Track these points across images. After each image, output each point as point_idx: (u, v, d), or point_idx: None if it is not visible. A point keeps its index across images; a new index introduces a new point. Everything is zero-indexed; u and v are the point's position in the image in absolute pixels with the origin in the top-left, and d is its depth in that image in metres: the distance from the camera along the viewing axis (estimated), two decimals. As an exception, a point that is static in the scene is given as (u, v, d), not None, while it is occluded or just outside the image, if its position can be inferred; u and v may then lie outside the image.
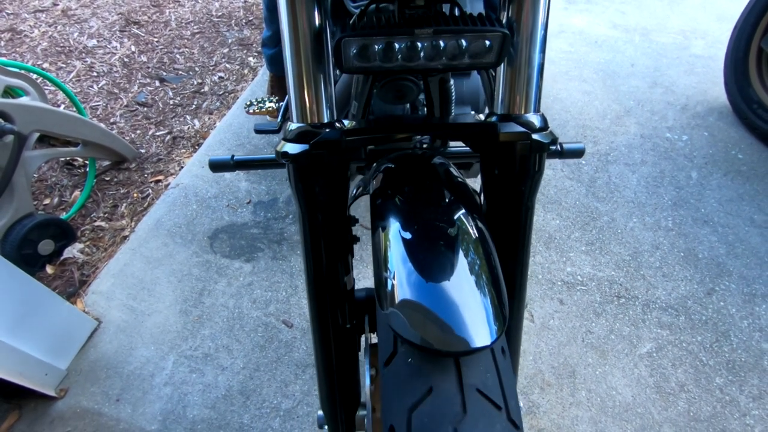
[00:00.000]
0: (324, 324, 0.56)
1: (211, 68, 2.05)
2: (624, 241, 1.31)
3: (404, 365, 0.38)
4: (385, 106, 0.87)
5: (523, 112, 0.46)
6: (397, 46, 0.40)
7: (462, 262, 0.39)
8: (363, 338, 0.64)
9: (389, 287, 0.39)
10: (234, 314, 1.20)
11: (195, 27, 2.29)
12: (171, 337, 1.16)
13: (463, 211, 0.44)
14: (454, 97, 0.63)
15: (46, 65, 2.03)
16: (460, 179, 0.51)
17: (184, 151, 1.68)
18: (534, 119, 0.46)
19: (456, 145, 0.69)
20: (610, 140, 1.60)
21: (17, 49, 2.14)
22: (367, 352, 0.59)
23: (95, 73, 2.02)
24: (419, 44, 0.40)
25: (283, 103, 1.08)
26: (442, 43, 0.40)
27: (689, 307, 1.17)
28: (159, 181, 1.57)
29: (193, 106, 1.87)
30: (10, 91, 1.31)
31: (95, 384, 1.08)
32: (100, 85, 1.96)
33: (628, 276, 1.24)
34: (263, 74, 1.96)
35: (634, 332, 1.13)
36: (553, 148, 0.45)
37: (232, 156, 0.81)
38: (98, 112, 1.83)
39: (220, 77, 2.00)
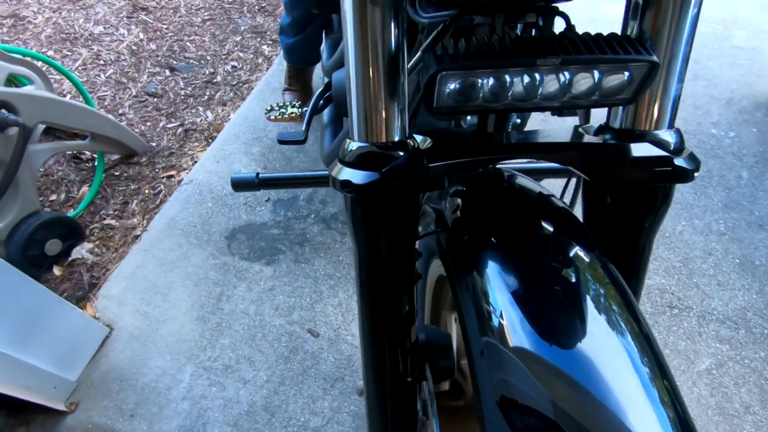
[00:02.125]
0: (382, 378, 0.47)
1: (224, 57, 1.95)
2: (673, 246, 1.22)
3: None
4: (428, 118, 0.78)
5: (651, 128, 0.36)
6: (508, 79, 0.30)
7: (596, 320, 0.30)
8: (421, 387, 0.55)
9: (495, 328, 0.30)
10: (255, 322, 1.11)
11: (205, 13, 2.19)
12: (188, 347, 1.07)
13: (579, 246, 0.35)
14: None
15: (50, 53, 1.94)
16: (559, 203, 0.40)
17: (197, 144, 1.59)
18: (669, 137, 0.35)
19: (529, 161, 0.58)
20: (651, 136, 1.50)
21: (20, 36, 2.04)
22: (433, 404, 0.50)
23: (102, 62, 1.92)
24: (538, 77, 0.30)
25: (307, 108, 0.97)
26: (567, 76, 0.30)
27: (749, 319, 1.08)
28: (171, 176, 1.48)
29: (206, 96, 1.78)
30: (14, 80, 1.21)
31: (107, 397, 1.00)
32: (107, 74, 1.86)
33: (680, 284, 1.15)
34: (278, 64, 1.86)
35: (690, 347, 1.04)
36: (697, 175, 0.35)
37: (257, 174, 0.72)
38: (106, 103, 1.74)
39: (233, 66, 1.90)
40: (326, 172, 0.78)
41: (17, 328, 0.89)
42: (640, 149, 0.35)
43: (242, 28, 2.10)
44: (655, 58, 0.30)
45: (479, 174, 0.45)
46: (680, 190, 1.35)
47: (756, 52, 1.79)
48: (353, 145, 0.36)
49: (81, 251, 1.28)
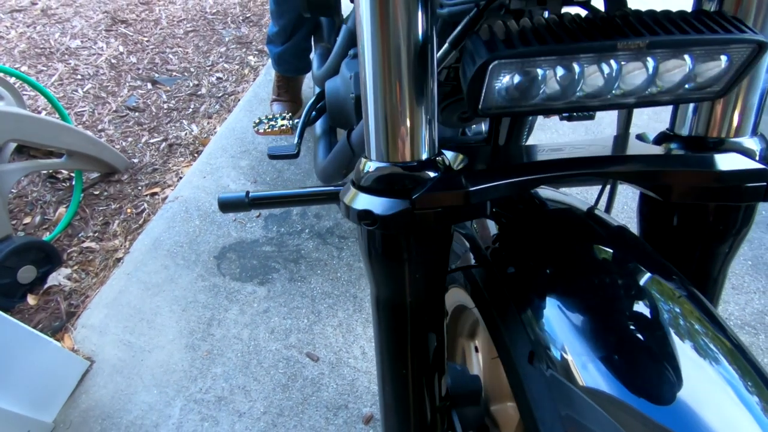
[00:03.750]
0: None
1: (208, 68, 1.89)
2: (683, 250, 1.18)
3: None
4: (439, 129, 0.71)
5: (730, 135, 0.30)
6: (577, 69, 0.24)
7: (688, 358, 0.24)
8: None
9: (557, 360, 0.25)
10: (249, 347, 1.03)
11: (188, 25, 2.12)
12: (177, 378, 0.99)
13: (652, 272, 0.28)
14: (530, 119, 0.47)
15: (24, 68, 1.85)
16: (616, 223, 0.34)
17: (182, 159, 1.52)
18: (754, 145, 0.30)
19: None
20: (650, 138, 1.47)
21: (-8, 52, 1.95)
22: None
23: (80, 76, 1.84)
24: (615, 65, 0.24)
25: (299, 121, 0.91)
26: (652, 63, 0.24)
27: (768, 323, 1.04)
28: (155, 194, 1.40)
29: (190, 109, 1.70)
30: (-19, 96, 1.13)
31: (88, 439, 0.91)
32: (85, 89, 1.78)
33: (693, 289, 1.10)
34: (266, 74, 1.81)
35: (710, 355, 0.99)
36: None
37: (247, 193, 0.65)
38: (84, 119, 1.66)
39: (218, 78, 1.84)
40: (324, 188, 0.71)
41: (-16, 368, 0.81)
42: (727, 161, 0.29)
43: (227, 39, 2.04)
44: (762, 37, 0.24)
45: (510, 198, 0.38)
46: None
47: None
48: (371, 165, 0.29)
49: (58, 278, 1.18)
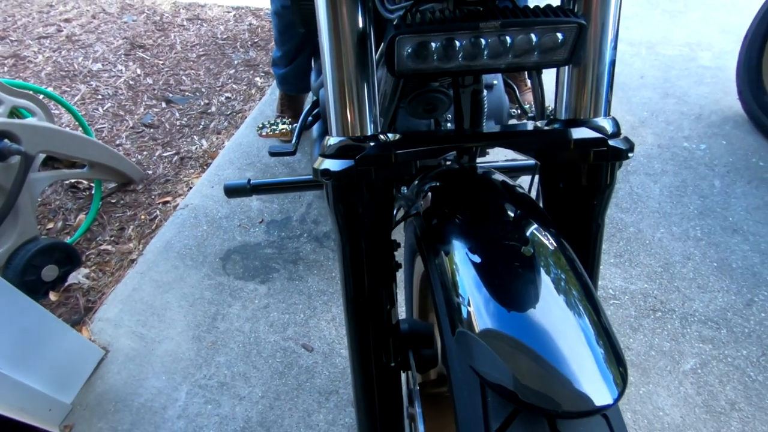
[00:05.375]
0: (367, 363, 0.49)
1: (218, 89, 2.03)
2: (653, 253, 1.27)
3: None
4: (409, 121, 0.83)
5: (590, 117, 0.41)
6: (458, 43, 0.36)
7: (550, 290, 0.33)
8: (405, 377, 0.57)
9: (464, 318, 0.33)
10: (250, 339, 1.13)
11: (200, 50, 2.29)
12: (183, 366, 1.08)
13: (536, 225, 0.39)
14: (486, 110, 0.59)
15: (50, 89, 2.01)
16: (520, 190, 0.45)
17: (193, 171, 1.64)
18: (606, 124, 0.41)
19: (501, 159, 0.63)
20: (627, 151, 1.58)
21: (21, 74, 2.12)
22: (416, 392, 0.53)
23: (100, 96, 1.99)
24: (483, 40, 0.36)
25: (297, 125, 1.04)
26: (509, 39, 0.36)
27: (730, 319, 1.11)
28: (167, 202, 1.52)
29: (201, 126, 1.84)
30: (17, 112, 1.27)
31: (103, 419, 1.00)
32: (105, 108, 1.93)
33: (661, 288, 1.19)
34: (271, 94, 1.95)
35: (675, 347, 1.07)
36: (631, 155, 0.41)
37: (249, 180, 0.76)
38: (104, 134, 1.80)
39: (227, 97, 1.98)
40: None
41: (13, 348, 0.91)
42: (579, 133, 0.40)
43: (236, 62, 2.20)
44: (582, 20, 0.35)
45: (451, 169, 0.49)
46: (656, 200, 1.41)
47: (720, 70, 1.90)
48: (332, 140, 0.41)
49: (77, 276, 1.29)
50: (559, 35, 0.36)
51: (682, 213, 1.37)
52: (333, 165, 0.39)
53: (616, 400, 0.27)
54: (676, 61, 1.97)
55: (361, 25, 0.38)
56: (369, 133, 0.41)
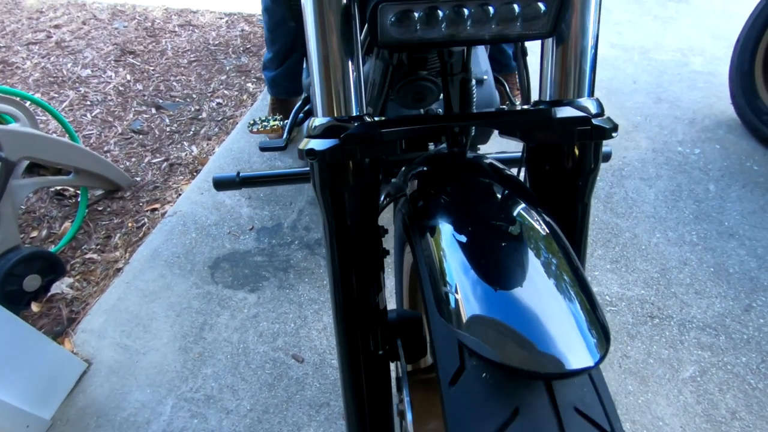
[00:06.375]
0: (354, 350, 0.48)
1: (209, 95, 2.01)
2: (650, 258, 1.25)
3: (477, 383, 0.31)
4: (399, 110, 0.82)
5: (574, 97, 0.41)
6: (441, 12, 0.35)
7: (536, 266, 0.33)
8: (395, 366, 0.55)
9: (452, 301, 0.32)
10: (239, 350, 1.09)
11: (192, 55, 2.27)
12: (169, 378, 1.05)
13: (523, 205, 0.38)
14: (475, 99, 0.58)
15: (37, 95, 1.98)
16: (508, 172, 0.45)
17: (182, 178, 1.61)
18: (589, 104, 0.41)
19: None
20: (621, 155, 1.57)
21: (8, 80, 2.09)
22: (405, 381, 0.51)
23: (89, 102, 1.96)
24: (466, 10, 0.35)
25: (287, 121, 1.02)
26: (491, 9, 0.35)
27: (728, 325, 1.10)
28: (155, 209, 1.49)
29: (191, 132, 1.82)
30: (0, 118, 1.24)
31: (83, 435, 0.96)
32: (93, 114, 1.90)
33: (659, 294, 1.17)
34: (262, 99, 1.93)
35: (673, 355, 1.05)
36: (615, 135, 0.41)
37: (238, 173, 0.74)
38: (91, 141, 1.77)
39: (218, 103, 1.96)
40: (302, 169, 0.82)
41: (-10, 363, 0.87)
42: (563, 112, 0.40)
43: (227, 68, 2.18)
44: None
45: (439, 154, 0.49)
46: (652, 204, 1.39)
47: (713, 75, 1.90)
48: (317, 121, 0.40)
49: (61, 286, 1.26)
50: (542, 5, 0.36)
51: (678, 217, 1.35)
52: (318, 144, 0.39)
53: (598, 363, 0.28)
54: (668, 66, 1.98)
55: (345, 2, 0.37)
56: (354, 114, 0.40)
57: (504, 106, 0.98)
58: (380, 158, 0.42)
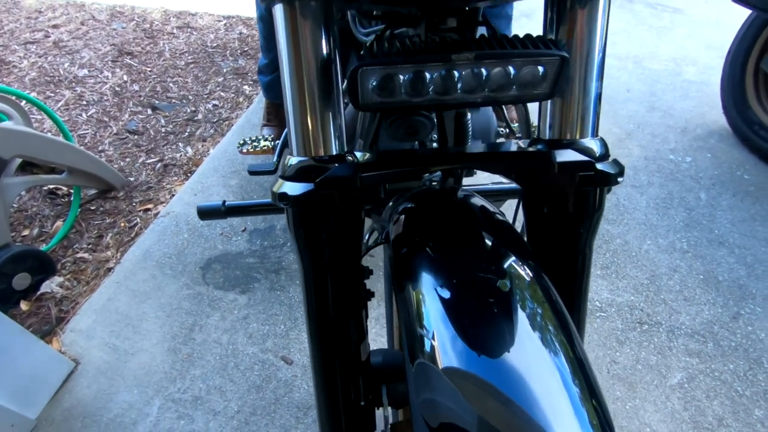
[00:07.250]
0: (334, 402, 0.44)
1: (205, 96, 2.02)
2: (640, 265, 1.26)
3: None
4: (392, 144, 0.80)
5: (576, 137, 0.38)
6: (428, 75, 0.32)
7: (526, 330, 0.30)
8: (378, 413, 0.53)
9: (427, 352, 0.30)
10: (228, 351, 1.09)
11: (189, 57, 2.27)
12: (157, 379, 1.04)
13: (513, 257, 0.35)
14: (471, 133, 0.57)
15: (33, 94, 1.98)
16: (500, 217, 0.42)
17: (176, 178, 1.61)
18: (593, 145, 0.37)
19: (483, 182, 0.59)
20: (614, 163, 1.58)
21: (4, 79, 2.09)
22: (387, 429, 0.47)
23: (85, 102, 1.96)
24: (456, 73, 0.32)
25: (278, 142, 1.01)
26: (484, 72, 0.32)
27: (716, 332, 1.10)
28: (148, 209, 1.49)
29: (186, 133, 1.82)
30: (-7, 116, 1.24)
31: (69, 435, 0.95)
32: (89, 114, 1.90)
33: (648, 301, 1.17)
34: (258, 102, 1.93)
35: (661, 361, 1.05)
36: (620, 180, 0.37)
37: (224, 202, 0.73)
38: (86, 140, 1.77)
39: (214, 105, 1.96)
40: None
41: (-24, 361, 0.86)
42: (564, 155, 0.36)
43: (224, 70, 2.19)
44: (564, 53, 0.32)
45: (428, 190, 0.46)
46: (643, 211, 1.40)
47: (705, 85, 1.93)
48: (293, 160, 0.36)
49: (50, 285, 1.25)
50: (540, 68, 0.32)
51: (669, 225, 1.36)
52: (291, 189, 0.35)
53: None
54: (662, 76, 2.00)
55: (325, 48, 0.34)
56: (334, 153, 0.36)
57: (501, 129, 0.95)
58: (362, 200, 0.38)
